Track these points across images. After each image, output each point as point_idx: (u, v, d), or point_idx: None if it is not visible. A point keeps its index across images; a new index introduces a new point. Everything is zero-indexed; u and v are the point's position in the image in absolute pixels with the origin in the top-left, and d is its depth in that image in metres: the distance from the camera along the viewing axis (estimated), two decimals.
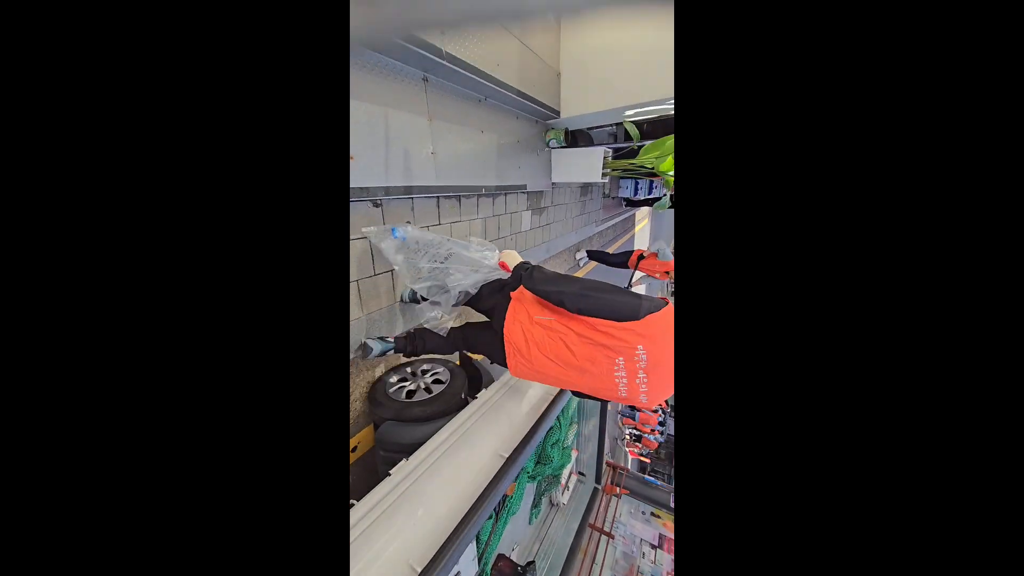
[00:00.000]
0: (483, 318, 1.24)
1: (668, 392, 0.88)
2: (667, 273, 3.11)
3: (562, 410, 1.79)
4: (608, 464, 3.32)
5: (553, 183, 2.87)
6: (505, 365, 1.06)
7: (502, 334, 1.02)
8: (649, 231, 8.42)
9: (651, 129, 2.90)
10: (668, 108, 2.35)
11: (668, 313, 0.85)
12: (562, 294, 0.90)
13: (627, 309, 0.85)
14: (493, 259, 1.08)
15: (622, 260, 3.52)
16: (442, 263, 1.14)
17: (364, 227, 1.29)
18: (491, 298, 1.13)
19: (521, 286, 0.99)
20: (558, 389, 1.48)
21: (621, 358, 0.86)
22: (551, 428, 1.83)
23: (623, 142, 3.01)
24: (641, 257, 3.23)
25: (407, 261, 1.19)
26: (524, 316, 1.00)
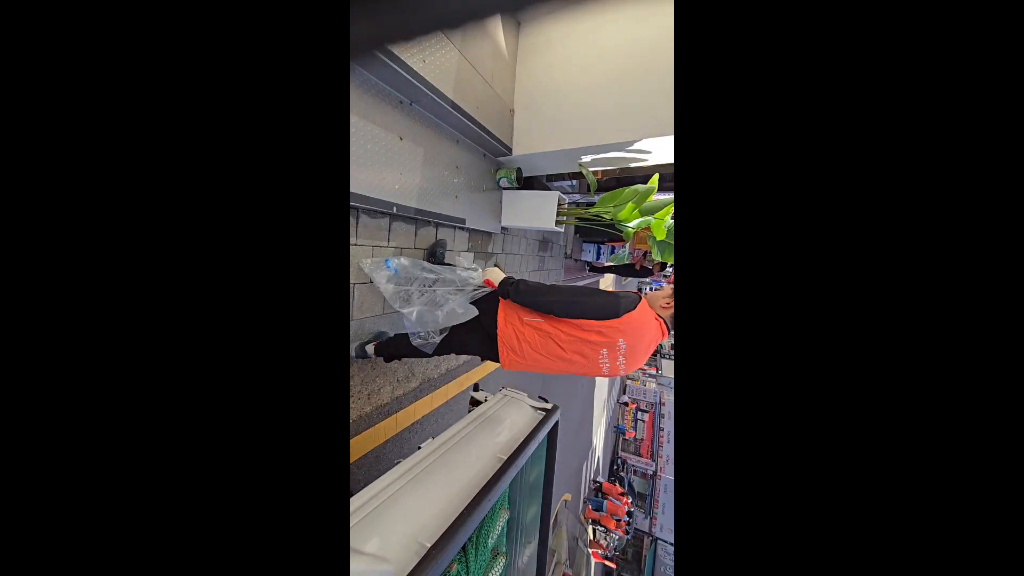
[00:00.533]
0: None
1: (640, 363, 1.02)
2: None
3: (469, 544, 1.10)
4: None
5: (503, 227, 2.53)
6: (496, 360, 1.12)
7: (495, 333, 1.08)
8: None
9: (612, 185, 2.77)
10: (626, 157, 2.19)
11: (643, 308, 0.98)
12: (551, 303, 0.99)
13: (609, 309, 0.96)
14: (478, 278, 1.15)
15: None
16: (430, 287, 1.19)
17: (360, 260, 1.36)
18: (481, 301, 1.17)
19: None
20: (452, 518, 0.92)
21: (605, 349, 0.98)
22: None
23: (580, 191, 2.84)
24: None
25: (397, 290, 1.25)
26: (516, 319, 1.06)
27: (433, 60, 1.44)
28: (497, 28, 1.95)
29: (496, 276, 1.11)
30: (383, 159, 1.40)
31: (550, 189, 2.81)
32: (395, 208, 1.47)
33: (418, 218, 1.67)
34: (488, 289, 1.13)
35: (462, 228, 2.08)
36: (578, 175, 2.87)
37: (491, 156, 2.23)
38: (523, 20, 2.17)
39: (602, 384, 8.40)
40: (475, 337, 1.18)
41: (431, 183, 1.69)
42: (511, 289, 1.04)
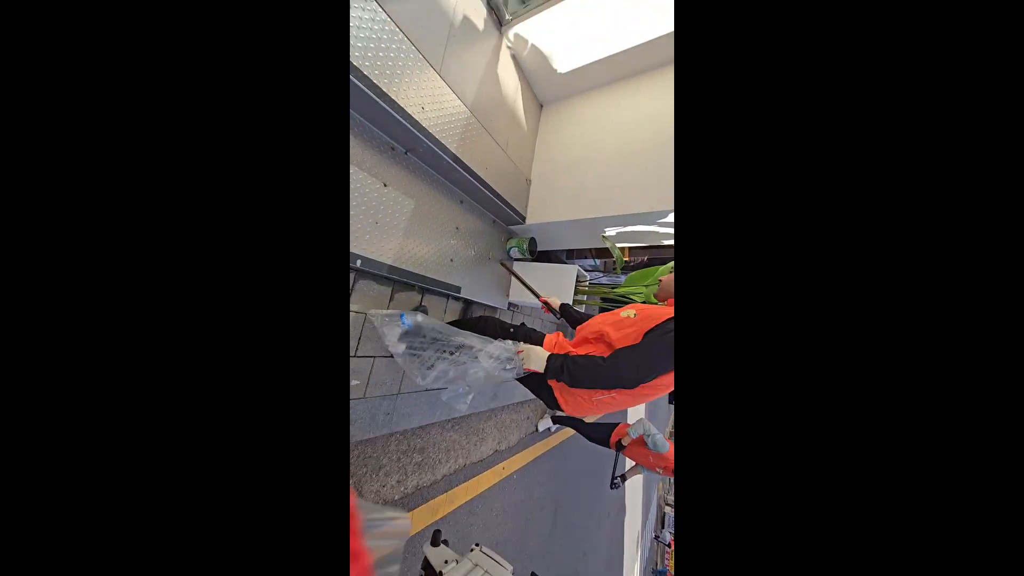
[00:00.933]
0: None
1: None
2: (668, 469, 2.04)
3: None
4: None
5: (511, 304, 2.17)
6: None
7: (560, 408, 1.01)
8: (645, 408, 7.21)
9: (640, 265, 2.44)
10: (658, 232, 1.88)
11: None
12: (620, 380, 0.84)
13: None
14: (512, 359, 0.92)
15: (602, 436, 2.41)
16: (451, 354, 0.98)
17: (371, 309, 1.23)
18: (527, 381, 1.02)
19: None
20: None
21: None
22: None
23: (605, 271, 2.50)
24: (620, 446, 2.21)
25: (409, 353, 1.02)
26: (582, 398, 0.95)
27: (433, 109, 1.30)
28: (517, 103, 1.92)
29: (538, 359, 0.89)
30: (354, 203, 1.16)
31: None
32: (359, 262, 1.16)
33: (395, 279, 1.35)
34: (525, 373, 0.93)
35: (456, 298, 1.74)
36: (603, 252, 2.59)
37: (501, 223, 2.00)
38: (545, 102, 2.19)
39: (634, 513, 6.73)
40: (544, 393, 1.05)
41: (419, 241, 1.42)
42: (564, 376, 0.87)
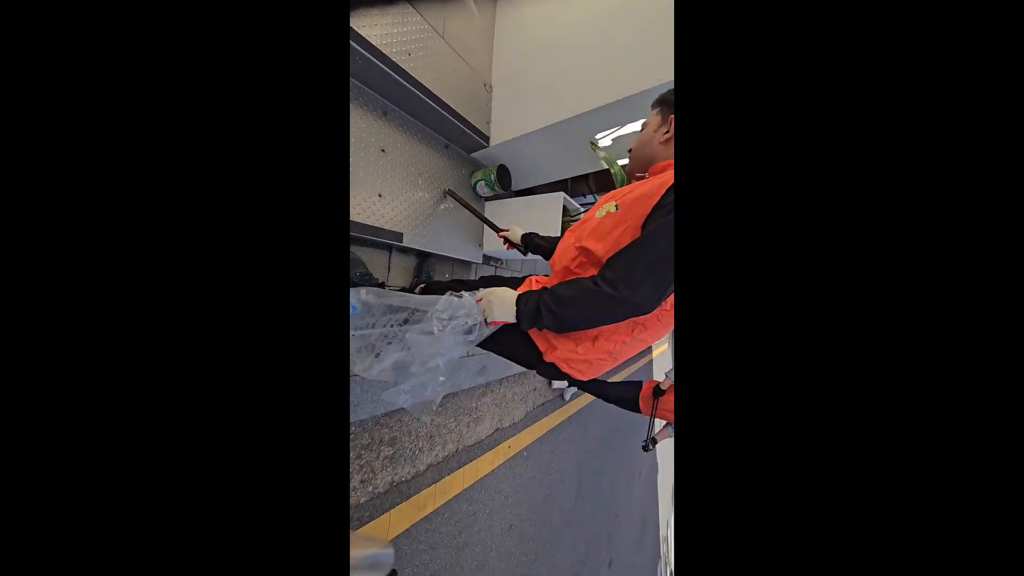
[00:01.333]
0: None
1: None
2: None
3: None
4: None
5: (488, 256, 1.75)
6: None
7: (554, 370, 0.77)
8: (672, 355, 6.80)
9: None
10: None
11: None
12: (629, 302, 0.58)
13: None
14: (471, 314, 0.68)
15: (628, 395, 2.06)
16: (399, 327, 0.78)
17: None
18: (500, 341, 0.76)
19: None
20: None
21: None
22: None
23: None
24: (659, 392, 1.85)
25: (352, 334, 0.79)
26: (601, 353, 0.73)
27: None
28: None
29: (502, 304, 0.65)
30: None
31: None
32: None
33: None
34: (493, 329, 0.68)
35: (402, 249, 1.33)
36: (604, 182, 2.08)
37: (458, 148, 1.54)
38: None
39: (667, 467, 6.57)
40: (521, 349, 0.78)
41: None
42: (547, 320, 0.62)
